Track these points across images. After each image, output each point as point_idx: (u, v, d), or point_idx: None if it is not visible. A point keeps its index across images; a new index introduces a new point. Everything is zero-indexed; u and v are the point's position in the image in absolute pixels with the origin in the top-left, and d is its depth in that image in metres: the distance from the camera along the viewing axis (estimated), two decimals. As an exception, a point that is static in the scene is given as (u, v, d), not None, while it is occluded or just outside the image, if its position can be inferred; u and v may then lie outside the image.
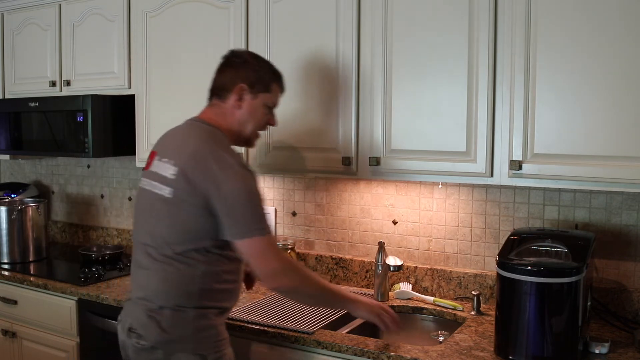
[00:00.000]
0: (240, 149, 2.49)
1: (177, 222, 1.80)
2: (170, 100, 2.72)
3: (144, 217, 1.91)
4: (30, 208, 3.15)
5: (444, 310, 2.32)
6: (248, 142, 2.02)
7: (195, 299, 1.81)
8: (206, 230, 1.79)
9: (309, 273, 1.92)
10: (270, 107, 2.00)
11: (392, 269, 2.35)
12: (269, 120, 2.02)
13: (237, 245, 1.79)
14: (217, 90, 1.97)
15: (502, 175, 2.02)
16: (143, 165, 2.88)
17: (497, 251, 2.07)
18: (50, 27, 3.10)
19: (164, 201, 1.82)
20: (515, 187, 2.33)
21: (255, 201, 1.79)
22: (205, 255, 1.81)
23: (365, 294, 2.47)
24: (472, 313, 2.25)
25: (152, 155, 1.97)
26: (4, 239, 3.10)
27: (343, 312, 2.25)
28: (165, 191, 1.82)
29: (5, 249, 3.10)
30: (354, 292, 2.47)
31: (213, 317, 1.85)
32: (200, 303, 1.82)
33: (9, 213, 3.10)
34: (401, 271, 2.45)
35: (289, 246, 2.68)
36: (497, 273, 1.88)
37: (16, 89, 3.27)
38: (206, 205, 1.76)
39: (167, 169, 1.83)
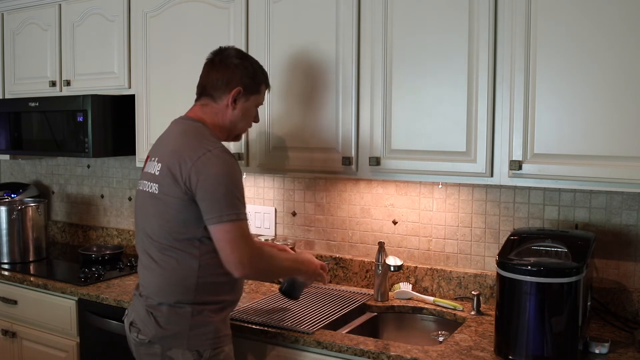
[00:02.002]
0: (241, 150, 2.51)
1: (166, 216, 1.84)
2: (170, 100, 2.71)
3: (140, 216, 1.97)
4: (30, 208, 3.15)
5: (444, 310, 2.32)
6: (237, 137, 2.08)
7: (192, 294, 1.84)
8: (194, 220, 1.80)
9: (270, 257, 1.92)
10: (257, 106, 2.06)
11: (392, 269, 2.35)
12: (254, 117, 2.08)
13: (211, 231, 1.78)
14: (209, 90, 1.97)
15: (502, 175, 2.02)
16: (142, 165, 2.91)
17: (497, 251, 2.07)
18: (50, 27, 3.10)
19: (153, 198, 1.88)
20: (515, 187, 2.33)
21: (231, 185, 1.78)
22: (199, 247, 1.82)
23: (365, 294, 2.47)
24: (472, 313, 2.25)
25: (147, 157, 2.03)
26: (4, 239, 3.10)
27: (343, 312, 2.26)
28: (153, 188, 1.88)
29: (5, 249, 3.10)
30: (352, 292, 2.49)
31: (211, 314, 1.86)
32: (197, 298, 1.84)
33: (9, 213, 3.10)
34: (401, 271, 2.45)
35: (289, 246, 2.68)
36: (497, 273, 1.88)
37: (16, 89, 3.27)
38: (190, 194, 1.78)
39: (154, 167, 1.90)
